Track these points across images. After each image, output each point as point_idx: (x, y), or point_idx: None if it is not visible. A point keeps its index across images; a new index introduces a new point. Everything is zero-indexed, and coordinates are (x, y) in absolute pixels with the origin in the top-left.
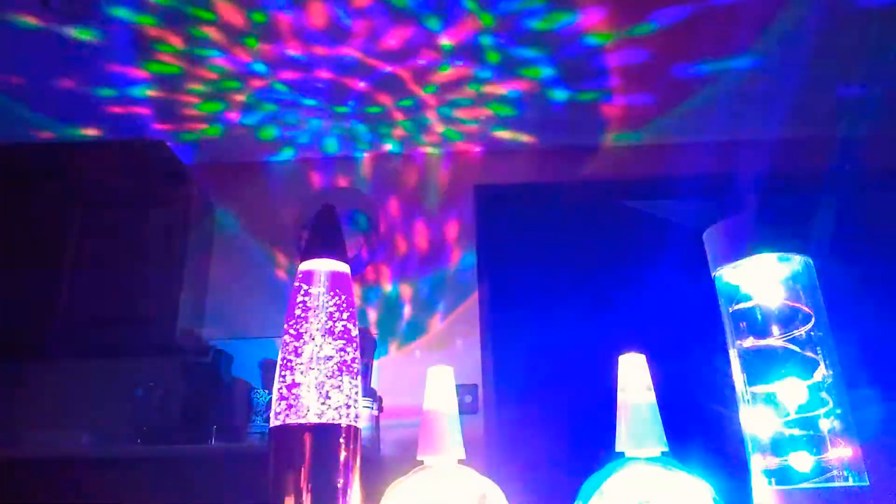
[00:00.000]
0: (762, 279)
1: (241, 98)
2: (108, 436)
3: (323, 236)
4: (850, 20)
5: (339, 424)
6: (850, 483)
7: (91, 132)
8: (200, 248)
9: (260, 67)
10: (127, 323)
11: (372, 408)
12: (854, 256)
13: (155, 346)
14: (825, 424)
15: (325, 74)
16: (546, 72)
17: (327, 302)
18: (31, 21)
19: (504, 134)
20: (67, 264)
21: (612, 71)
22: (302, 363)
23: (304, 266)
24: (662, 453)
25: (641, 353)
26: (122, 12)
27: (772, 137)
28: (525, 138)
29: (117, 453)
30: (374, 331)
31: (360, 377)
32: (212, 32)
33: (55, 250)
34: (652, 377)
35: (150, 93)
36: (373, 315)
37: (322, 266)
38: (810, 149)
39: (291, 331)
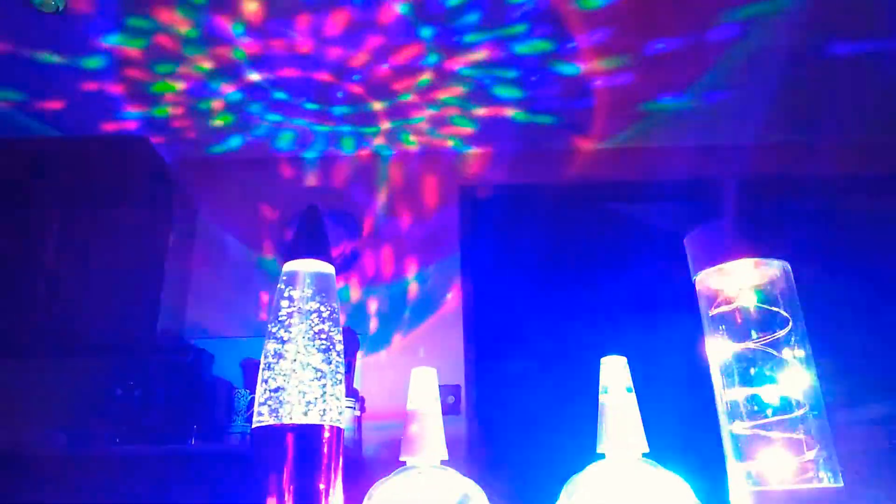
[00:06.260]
0: (741, 283)
1: (225, 95)
2: (86, 435)
3: (307, 236)
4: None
5: (322, 425)
6: (825, 484)
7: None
8: (182, 247)
9: (245, 64)
10: (107, 321)
11: (354, 408)
12: (832, 261)
13: (135, 344)
14: (801, 426)
15: (310, 73)
16: (531, 82)
17: (311, 303)
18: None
19: (489, 135)
20: (47, 261)
21: (594, 85)
22: (285, 364)
23: (288, 266)
24: (643, 454)
25: (623, 355)
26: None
27: (751, 142)
28: (511, 139)
29: (96, 453)
30: (356, 330)
31: (343, 377)
32: (198, 25)
33: (35, 247)
34: (633, 379)
35: (128, 72)
36: (356, 315)
37: (306, 267)
38: (789, 154)
39: (275, 331)
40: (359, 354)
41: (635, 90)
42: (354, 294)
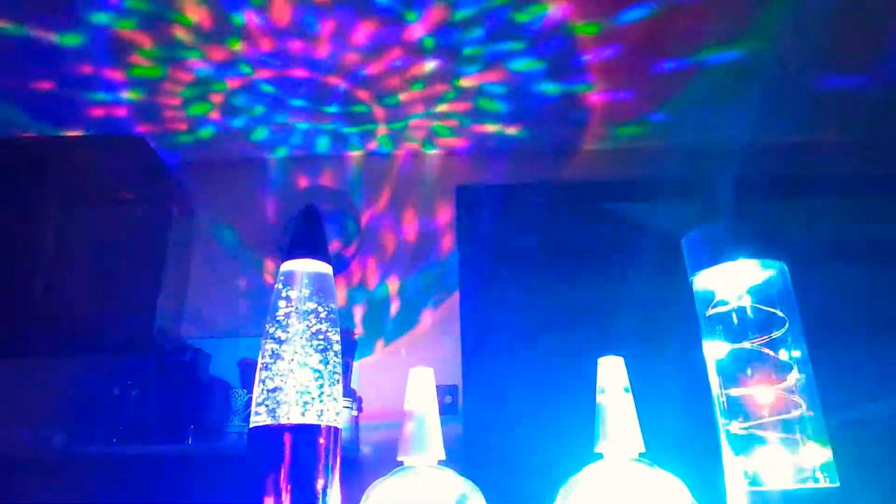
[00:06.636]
0: (738, 284)
1: (222, 96)
2: (84, 435)
3: (305, 236)
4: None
5: (320, 425)
6: (822, 484)
7: (72, 134)
8: (179, 246)
9: (242, 66)
10: (104, 321)
11: (351, 408)
12: (830, 261)
13: (132, 344)
14: (798, 426)
15: (307, 73)
16: (526, 66)
17: (308, 303)
18: (8, 26)
19: (486, 136)
20: (45, 260)
21: (588, 67)
22: (282, 364)
23: (286, 266)
24: (640, 454)
25: (620, 355)
26: (101, 17)
27: (749, 142)
28: (507, 140)
29: (93, 453)
30: (354, 331)
31: (340, 377)
32: (192, 32)
33: (32, 246)
34: (630, 379)
35: (129, 94)
36: (353, 315)
37: (304, 266)
38: (787, 154)
39: (272, 331)
40: (356, 355)
41: (630, 75)
42: (351, 294)
